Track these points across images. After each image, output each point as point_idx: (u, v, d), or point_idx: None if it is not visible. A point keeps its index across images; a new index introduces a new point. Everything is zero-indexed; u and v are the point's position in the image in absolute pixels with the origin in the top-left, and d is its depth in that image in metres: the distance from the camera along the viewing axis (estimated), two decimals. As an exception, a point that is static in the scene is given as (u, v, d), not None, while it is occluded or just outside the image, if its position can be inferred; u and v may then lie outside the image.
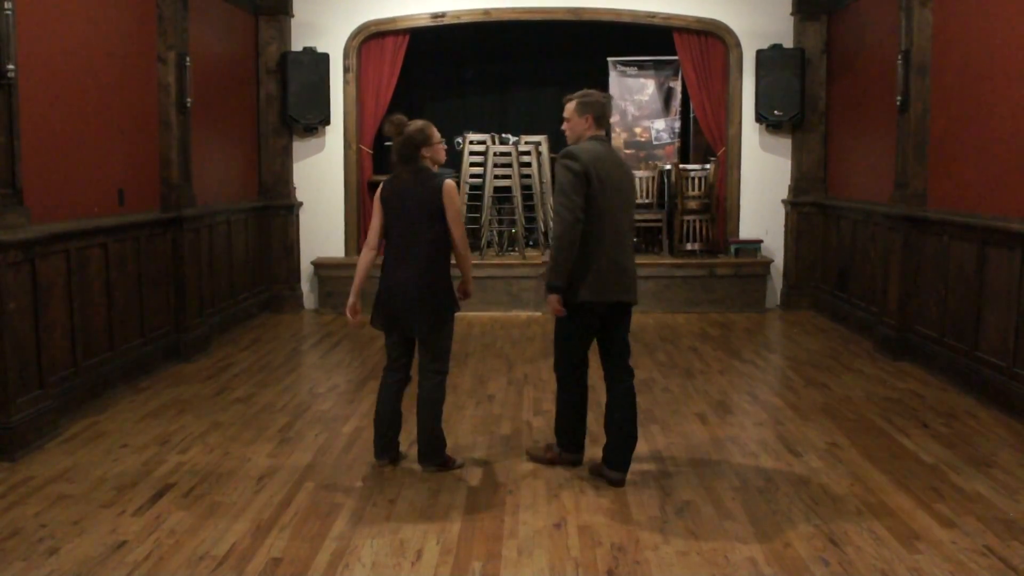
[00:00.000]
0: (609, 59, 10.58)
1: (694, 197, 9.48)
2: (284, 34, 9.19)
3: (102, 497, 4.20)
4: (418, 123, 4.45)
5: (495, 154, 9.34)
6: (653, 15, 9.36)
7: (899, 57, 6.93)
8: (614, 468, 4.36)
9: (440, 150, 4.49)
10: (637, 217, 9.62)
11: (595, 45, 10.75)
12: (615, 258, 4.29)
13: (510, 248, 9.55)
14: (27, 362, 4.90)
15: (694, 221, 9.46)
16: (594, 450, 4.61)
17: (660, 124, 10.59)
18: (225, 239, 8.14)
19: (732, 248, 9.35)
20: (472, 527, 3.88)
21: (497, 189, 9.39)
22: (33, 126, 5.11)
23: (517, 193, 9.33)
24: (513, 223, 9.52)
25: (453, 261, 4.51)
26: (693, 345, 7.59)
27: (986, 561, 3.52)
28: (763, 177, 9.42)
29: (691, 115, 10.37)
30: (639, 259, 9.21)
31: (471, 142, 9.48)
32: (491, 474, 4.52)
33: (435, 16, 9.34)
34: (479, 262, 8.94)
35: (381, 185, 4.54)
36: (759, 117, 9.22)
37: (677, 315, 8.97)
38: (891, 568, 3.48)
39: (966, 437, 5.03)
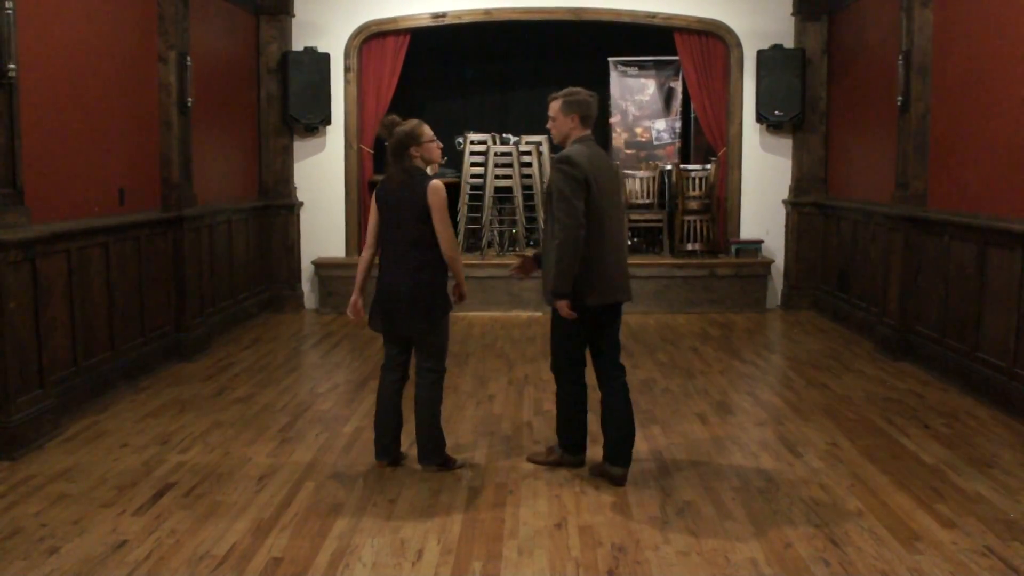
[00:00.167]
0: (610, 59, 10.58)
1: (695, 197, 9.48)
2: (285, 34, 9.19)
3: (103, 496, 4.20)
4: (410, 123, 4.45)
5: (496, 154, 9.35)
6: (653, 15, 9.36)
7: (900, 57, 6.93)
8: (617, 464, 4.37)
9: (432, 149, 4.47)
10: (638, 217, 9.68)
11: (596, 45, 10.74)
12: (617, 259, 4.34)
13: (511, 248, 9.55)
14: (28, 361, 4.90)
15: (695, 221, 9.46)
16: (594, 450, 4.60)
17: (661, 124, 10.59)
18: (226, 239, 8.14)
19: (733, 248, 9.35)
20: (473, 527, 3.88)
21: (498, 189, 9.39)
22: (34, 126, 5.11)
23: (518, 193, 9.33)
24: (514, 223, 9.53)
25: None
26: (694, 345, 7.59)
27: (987, 562, 3.52)
28: (764, 177, 9.43)
29: (692, 115, 10.37)
30: (640, 260, 9.33)
31: (472, 142, 9.48)
32: (492, 474, 4.52)
33: (436, 16, 9.34)
34: (479, 262, 8.95)
35: (377, 185, 4.57)
36: (760, 117, 9.22)
37: (678, 315, 8.97)
38: (891, 568, 3.48)
39: (967, 437, 5.03)
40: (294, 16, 9.25)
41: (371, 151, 9.59)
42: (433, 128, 4.54)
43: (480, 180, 9.40)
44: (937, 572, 3.45)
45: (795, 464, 4.64)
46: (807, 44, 9.12)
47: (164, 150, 6.89)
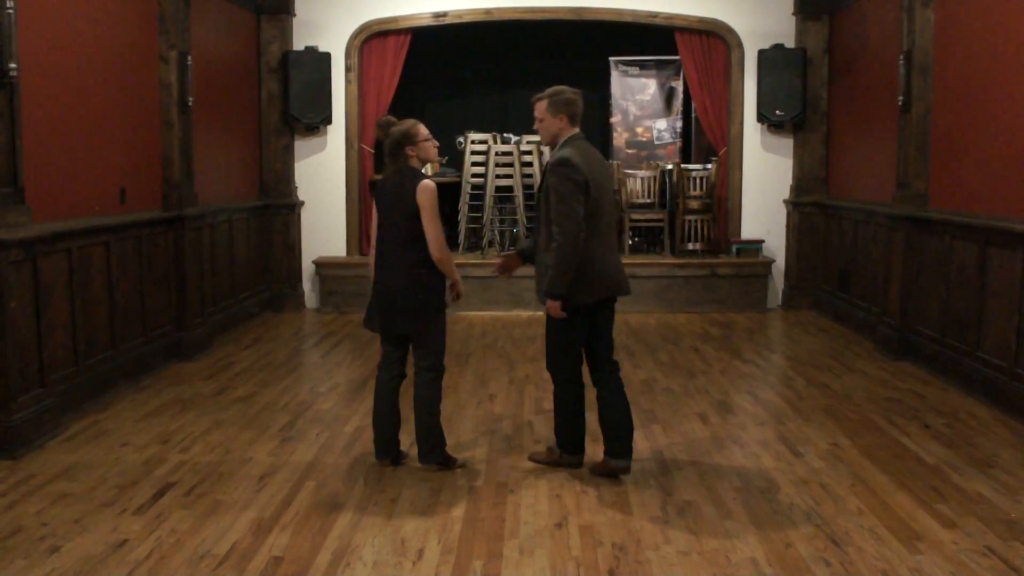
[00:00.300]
0: (611, 59, 10.58)
1: (696, 197, 9.48)
2: (286, 33, 9.19)
3: (103, 496, 4.20)
4: (406, 123, 4.46)
5: (497, 154, 9.35)
6: (655, 15, 9.36)
7: (901, 57, 6.92)
8: (621, 457, 4.38)
9: (428, 148, 4.47)
10: (639, 217, 9.69)
11: (597, 45, 10.75)
12: (612, 256, 4.39)
13: (511, 247, 9.55)
14: (28, 360, 4.90)
15: (696, 221, 9.46)
16: (594, 449, 4.60)
17: (662, 124, 10.59)
18: (227, 238, 8.14)
19: (734, 248, 9.35)
20: (473, 526, 3.88)
21: (499, 189, 9.39)
22: (35, 125, 5.12)
23: (519, 193, 9.33)
24: (515, 223, 9.53)
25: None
26: (694, 345, 7.58)
27: (987, 562, 3.52)
28: (765, 177, 9.42)
29: (693, 115, 10.37)
30: (641, 259, 9.34)
31: (473, 142, 9.48)
32: (492, 473, 4.52)
33: (437, 16, 9.34)
34: (480, 262, 8.94)
35: (376, 184, 4.60)
36: (761, 117, 9.21)
37: (678, 315, 8.97)
38: (892, 568, 3.47)
39: (967, 437, 5.03)
40: (295, 15, 9.25)
41: (372, 151, 9.58)
42: (434, 127, 4.55)
43: (481, 180, 9.39)
44: (938, 572, 3.45)
45: (796, 464, 4.64)
46: (808, 44, 9.12)
47: (165, 149, 6.89)
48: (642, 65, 10.55)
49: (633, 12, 9.35)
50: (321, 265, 9.31)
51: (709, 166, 9.62)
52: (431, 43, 10.04)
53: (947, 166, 6.53)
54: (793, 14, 9.19)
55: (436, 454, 4.55)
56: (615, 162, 9.86)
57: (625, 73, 10.58)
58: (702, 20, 9.35)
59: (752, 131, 9.40)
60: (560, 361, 4.45)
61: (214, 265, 7.79)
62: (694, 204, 9.45)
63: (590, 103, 10.94)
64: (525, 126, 10.16)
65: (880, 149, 7.72)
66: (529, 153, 9.42)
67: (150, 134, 6.73)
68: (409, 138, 4.40)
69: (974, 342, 5.91)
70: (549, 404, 5.47)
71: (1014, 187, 5.55)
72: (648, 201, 9.76)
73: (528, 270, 4.62)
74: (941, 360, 6.38)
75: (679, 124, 10.60)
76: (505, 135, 9.69)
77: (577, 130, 4.39)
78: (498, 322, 8.60)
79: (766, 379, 6.53)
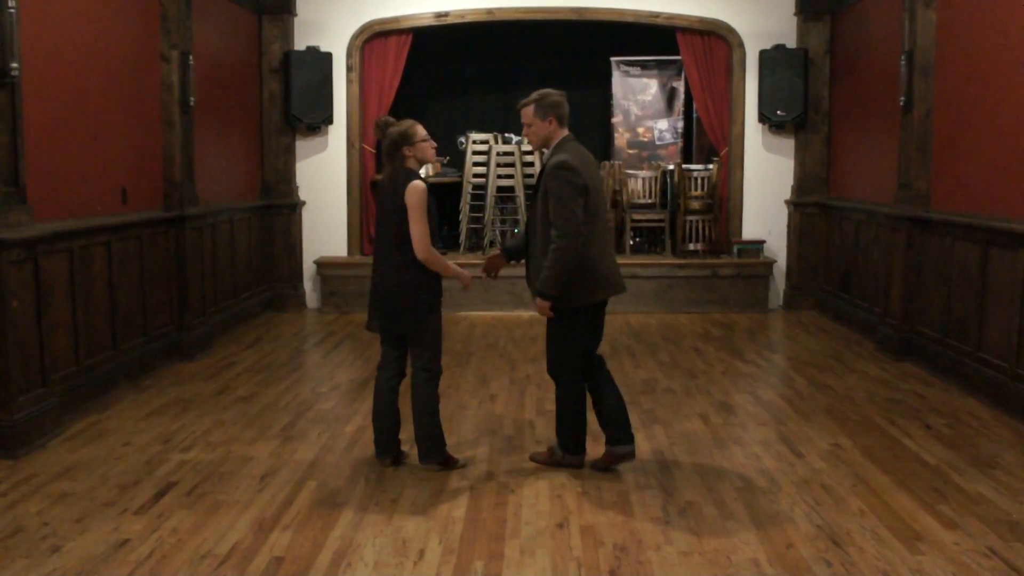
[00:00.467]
0: (612, 59, 10.58)
1: (697, 197, 9.47)
2: (287, 33, 9.19)
3: (104, 495, 4.20)
4: (403, 123, 4.47)
5: (498, 154, 9.35)
6: (656, 15, 9.36)
7: (902, 58, 6.92)
8: (625, 442, 4.40)
9: (425, 148, 4.46)
10: (640, 217, 9.69)
11: (598, 45, 10.74)
12: (609, 256, 4.42)
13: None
14: (30, 360, 4.90)
15: (697, 221, 9.45)
16: (596, 450, 4.60)
17: (663, 124, 10.58)
18: (228, 238, 8.14)
19: (735, 248, 9.35)
20: (474, 527, 3.88)
21: (500, 189, 9.39)
22: (36, 124, 5.12)
23: (520, 193, 9.33)
24: (516, 223, 9.52)
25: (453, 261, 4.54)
26: (695, 345, 7.58)
27: (989, 562, 3.52)
28: (766, 177, 9.42)
29: (694, 115, 10.37)
30: (642, 259, 9.33)
31: (474, 142, 9.48)
32: (493, 474, 4.52)
33: (438, 16, 9.34)
34: (481, 261, 8.92)
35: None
36: (762, 117, 9.21)
37: (679, 315, 8.96)
38: (893, 569, 3.47)
39: (969, 438, 5.03)
40: (296, 15, 9.26)
41: (373, 151, 9.58)
42: (435, 127, 4.55)
43: (482, 180, 9.39)
44: (939, 573, 3.45)
45: (797, 464, 4.64)
46: (809, 44, 9.11)
47: (166, 149, 6.89)
48: (643, 65, 10.55)
49: (634, 12, 9.35)
50: (322, 265, 9.31)
51: (710, 166, 9.61)
52: (432, 43, 10.04)
53: (948, 166, 6.52)
54: (795, 14, 9.19)
55: (436, 454, 4.55)
56: (616, 162, 9.86)
57: (626, 73, 10.58)
58: (703, 20, 9.35)
59: (753, 131, 9.39)
60: (563, 363, 4.46)
61: (215, 265, 7.79)
62: (695, 204, 9.44)
63: (591, 103, 11.07)
64: (526, 126, 10.24)
65: (881, 149, 7.72)
66: (530, 153, 9.41)
67: (151, 134, 6.74)
68: (406, 139, 4.40)
69: (975, 342, 5.90)
70: (550, 404, 5.47)
71: (1016, 188, 5.55)
72: (649, 201, 9.75)
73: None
74: (942, 360, 6.38)
75: (680, 124, 10.60)
76: (506, 135, 9.68)
77: (567, 132, 4.39)
78: (499, 322, 8.60)
79: (767, 379, 6.53)
